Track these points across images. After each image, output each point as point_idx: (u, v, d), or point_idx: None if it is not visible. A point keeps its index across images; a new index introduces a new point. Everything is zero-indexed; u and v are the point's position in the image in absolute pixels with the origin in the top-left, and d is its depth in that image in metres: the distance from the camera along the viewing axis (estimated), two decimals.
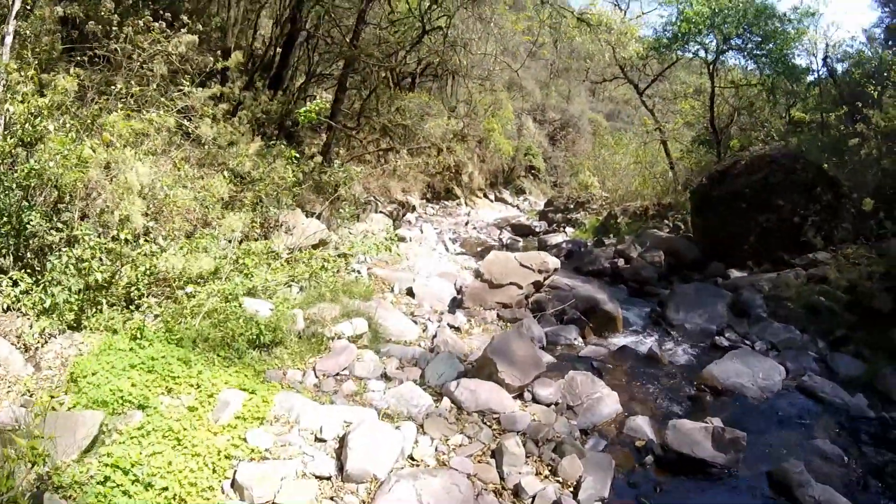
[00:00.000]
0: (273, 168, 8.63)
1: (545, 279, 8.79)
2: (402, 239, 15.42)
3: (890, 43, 18.52)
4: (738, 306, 9.83)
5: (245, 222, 7.72)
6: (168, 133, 8.09)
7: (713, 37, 15.92)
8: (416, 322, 7.65)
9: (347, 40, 15.69)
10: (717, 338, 8.82)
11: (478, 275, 8.72)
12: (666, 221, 16.82)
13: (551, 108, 41.98)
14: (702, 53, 17.27)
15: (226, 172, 8.48)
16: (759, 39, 14.98)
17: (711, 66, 17.34)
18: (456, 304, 8.61)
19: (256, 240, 7.92)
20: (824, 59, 16.91)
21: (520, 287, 8.55)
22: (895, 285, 8.79)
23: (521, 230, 20.93)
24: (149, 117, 7.27)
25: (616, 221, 18.33)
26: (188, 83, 8.79)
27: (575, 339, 7.86)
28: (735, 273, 11.80)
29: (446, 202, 26.75)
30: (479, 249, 16.05)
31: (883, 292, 8.87)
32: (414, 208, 22.38)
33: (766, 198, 12.25)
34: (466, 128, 22.09)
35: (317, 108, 8.18)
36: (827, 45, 16.21)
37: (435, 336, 7.20)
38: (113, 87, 7.49)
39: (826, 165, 12.65)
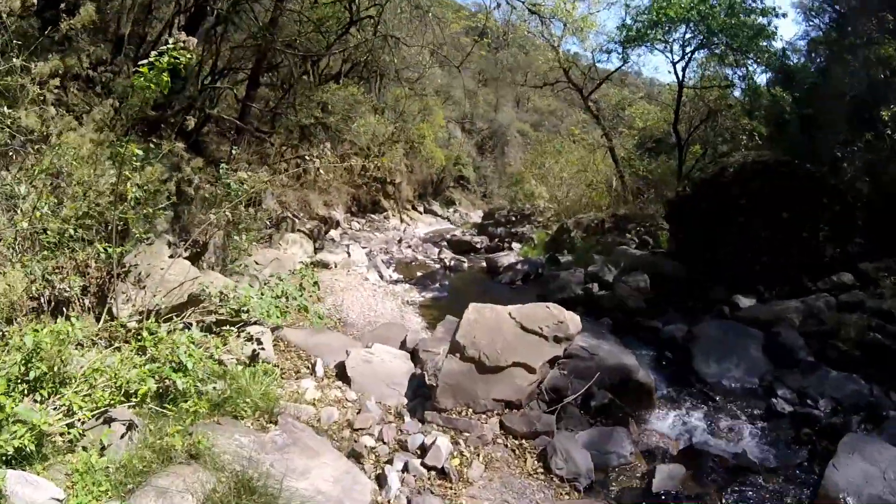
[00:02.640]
0: (105, 175, 4.93)
1: (565, 351, 5.44)
2: (325, 266, 11.95)
3: (812, 55, 17.16)
4: (776, 349, 7.41)
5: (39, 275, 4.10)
6: None
7: (689, 31, 13.37)
8: (362, 465, 4.05)
9: (262, 27, 12.06)
10: (772, 400, 6.25)
11: (456, 349, 5.15)
12: (628, 236, 14.18)
13: (479, 118, 39.41)
14: (673, 50, 14.57)
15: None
16: (752, 33, 12.50)
17: (683, 66, 14.74)
18: (421, 399, 5.21)
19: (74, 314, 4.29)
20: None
21: (530, 370, 5.03)
22: None
23: (460, 247, 17.89)
24: None
25: (570, 236, 15.59)
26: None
27: (630, 453, 4.70)
28: (744, 300, 9.25)
29: (373, 216, 23.36)
30: (419, 274, 12.82)
31: None
32: (338, 224, 18.82)
33: (768, 209, 9.74)
34: (398, 132, 18.74)
35: (165, 65, 4.16)
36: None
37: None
38: None
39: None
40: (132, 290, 5.12)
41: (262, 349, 5.41)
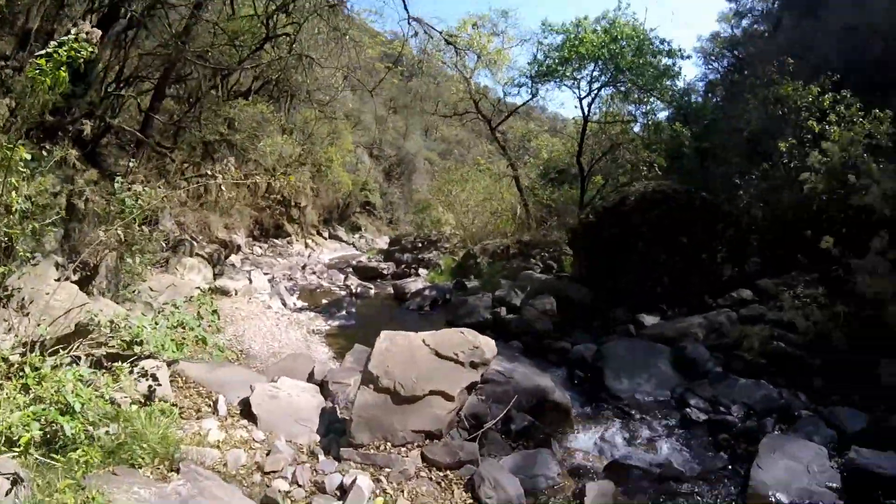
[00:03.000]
0: None
1: (482, 376, 5.24)
2: (225, 293, 11.27)
3: (710, 95, 18.85)
4: (684, 362, 7.71)
5: None
6: None
7: (597, 68, 14.04)
8: None
9: (174, 34, 11.29)
10: (687, 410, 6.47)
11: (369, 379, 4.79)
12: (533, 261, 14.51)
13: (387, 145, 39.36)
14: (581, 87, 15.23)
15: None
16: (657, 73, 13.30)
17: (589, 102, 15.41)
18: (335, 435, 4.80)
19: None
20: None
21: (448, 398, 4.80)
22: (867, 324, 7.13)
23: (367, 273, 17.54)
24: None
25: (476, 262, 15.73)
26: None
27: (557, 474, 4.62)
28: (648, 318, 9.69)
29: (276, 241, 22.51)
30: (325, 301, 12.37)
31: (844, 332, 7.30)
32: (239, 248, 17.94)
33: (667, 235, 10.33)
34: (305, 154, 18.18)
35: (64, 58, 3.57)
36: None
37: None
38: None
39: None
40: (14, 318, 4.46)
41: (159, 385, 4.88)
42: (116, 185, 5.37)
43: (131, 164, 7.18)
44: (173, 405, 4.92)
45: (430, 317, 11.78)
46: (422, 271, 17.46)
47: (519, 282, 12.27)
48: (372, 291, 14.23)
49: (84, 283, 6.87)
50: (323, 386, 5.76)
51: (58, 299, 4.76)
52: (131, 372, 4.37)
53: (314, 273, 16.80)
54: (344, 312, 11.25)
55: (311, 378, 6.05)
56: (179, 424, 4.37)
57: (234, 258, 16.67)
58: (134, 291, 8.90)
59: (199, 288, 11.44)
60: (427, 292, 13.15)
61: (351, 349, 7.57)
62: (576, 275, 12.10)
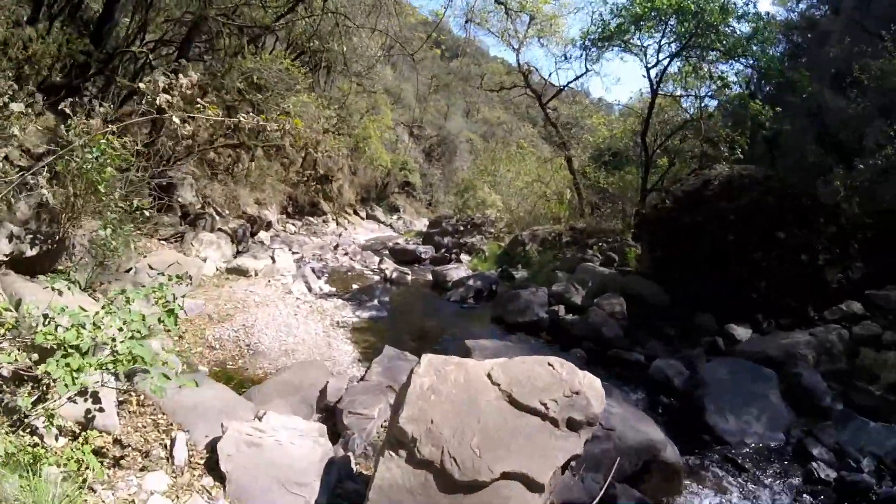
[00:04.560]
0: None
1: (585, 444, 3.00)
2: (242, 273, 9.77)
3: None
4: (796, 394, 5.99)
5: None
6: None
7: (675, 25, 11.75)
8: None
9: None
10: (812, 465, 4.75)
11: (400, 442, 2.81)
12: (590, 252, 12.57)
13: (428, 124, 37.43)
14: (648, 54, 12.95)
15: None
16: (744, 35, 11.07)
17: (660, 70, 13.11)
18: None
19: None
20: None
21: (533, 486, 2.70)
22: None
23: (404, 257, 15.92)
24: None
25: (525, 249, 13.89)
26: None
27: None
28: (739, 331, 7.80)
29: (311, 218, 21.01)
30: (355, 287, 10.75)
31: None
32: (269, 225, 16.50)
33: (761, 228, 8.29)
34: (340, 123, 16.51)
35: None
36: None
37: None
38: None
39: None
40: None
41: (101, 411, 3.30)
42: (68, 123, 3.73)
43: (101, 109, 5.51)
44: (116, 441, 3.33)
45: (474, 311, 10.07)
46: (463, 257, 15.71)
47: (577, 275, 10.42)
48: (409, 277, 12.54)
49: (49, 259, 5.34)
50: (334, 414, 4.10)
51: None
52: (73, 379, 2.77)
53: (347, 254, 15.21)
54: (376, 301, 9.61)
55: (321, 401, 4.38)
56: (109, 485, 2.74)
57: (263, 235, 15.26)
58: (130, 270, 7.45)
59: (217, 268, 9.99)
60: (471, 282, 11.41)
61: (379, 353, 5.96)
62: (644, 270, 10.17)
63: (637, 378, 6.81)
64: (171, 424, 3.49)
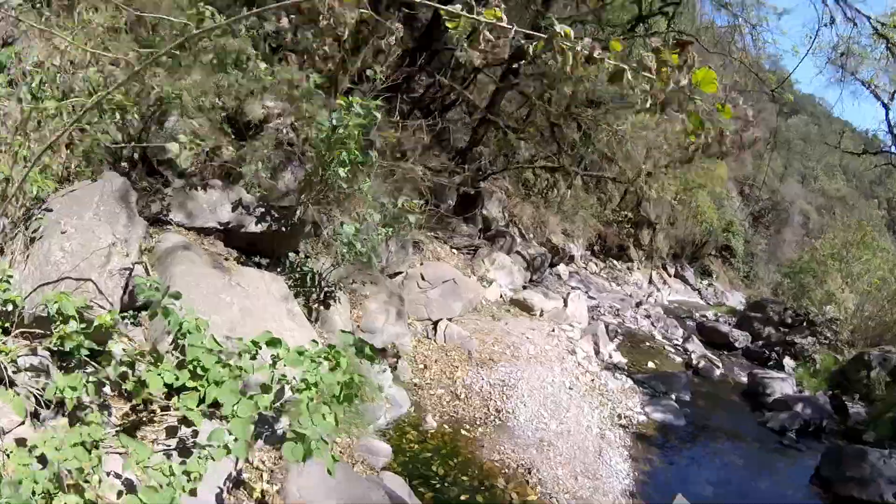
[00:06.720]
0: None
1: None
2: (526, 309, 8.32)
3: None
4: None
5: None
6: None
7: None
8: None
9: None
10: None
11: None
12: None
13: (760, 185, 31.36)
14: None
15: None
16: None
17: None
18: None
19: None
20: None
21: None
22: None
23: (712, 337, 12.75)
24: None
25: (868, 374, 9.45)
26: None
27: None
28: None
29: (615, 262, 18.84)
30: (650, 366, 8.36)
31: None
32: (571, 259, 15.03)
33: None
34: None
35: None
36: None
37: None
38: None
39: None
40: None
41: None
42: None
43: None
44: None
45: (796, 451, 6.82)
46: (787, 361, 11.66)
47: None
48: (717, 372, 9.57)
49: (276, 242, 4.52)
50: None
51: None
52: None
53: (648, 317, 12.71)
54: (673, 398, 7.14)
55: None
56: None
57: (561, 269, 13.86)
58: (398, 275, 6.52)
59: (501, 295, 8.71)
60: (798, 407, 8.02)
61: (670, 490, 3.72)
62: None
63: None
64: None
